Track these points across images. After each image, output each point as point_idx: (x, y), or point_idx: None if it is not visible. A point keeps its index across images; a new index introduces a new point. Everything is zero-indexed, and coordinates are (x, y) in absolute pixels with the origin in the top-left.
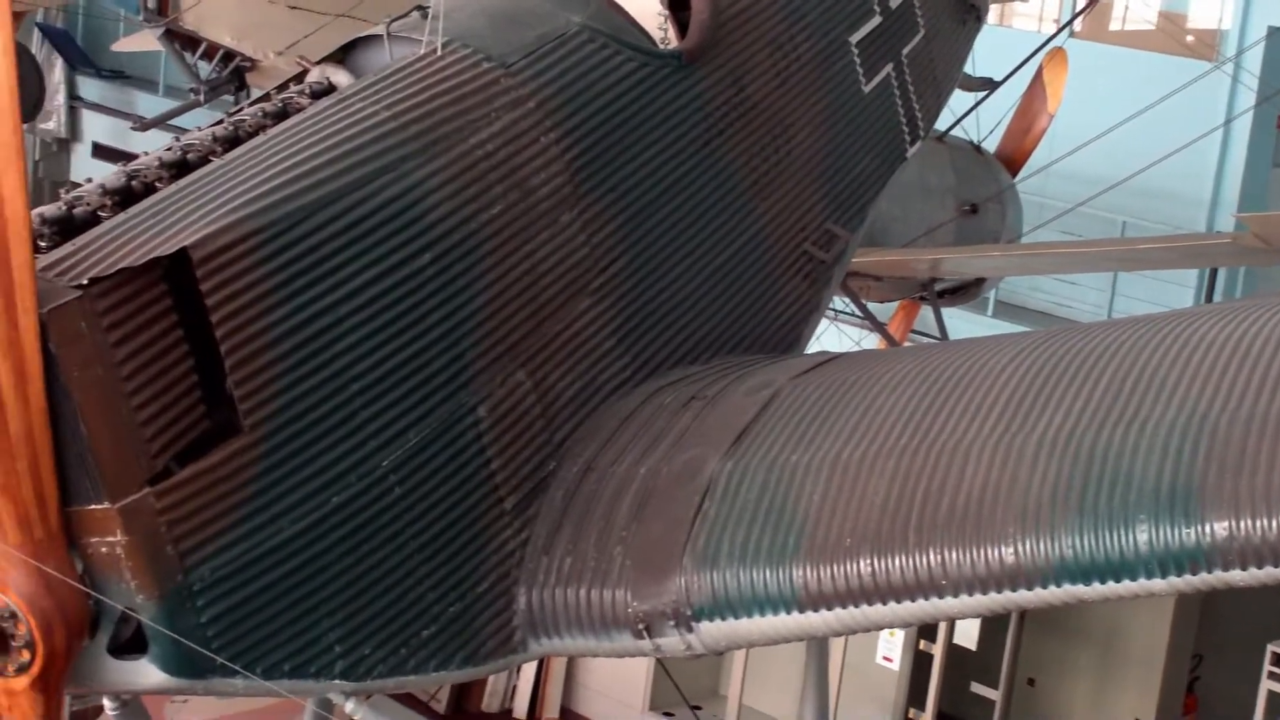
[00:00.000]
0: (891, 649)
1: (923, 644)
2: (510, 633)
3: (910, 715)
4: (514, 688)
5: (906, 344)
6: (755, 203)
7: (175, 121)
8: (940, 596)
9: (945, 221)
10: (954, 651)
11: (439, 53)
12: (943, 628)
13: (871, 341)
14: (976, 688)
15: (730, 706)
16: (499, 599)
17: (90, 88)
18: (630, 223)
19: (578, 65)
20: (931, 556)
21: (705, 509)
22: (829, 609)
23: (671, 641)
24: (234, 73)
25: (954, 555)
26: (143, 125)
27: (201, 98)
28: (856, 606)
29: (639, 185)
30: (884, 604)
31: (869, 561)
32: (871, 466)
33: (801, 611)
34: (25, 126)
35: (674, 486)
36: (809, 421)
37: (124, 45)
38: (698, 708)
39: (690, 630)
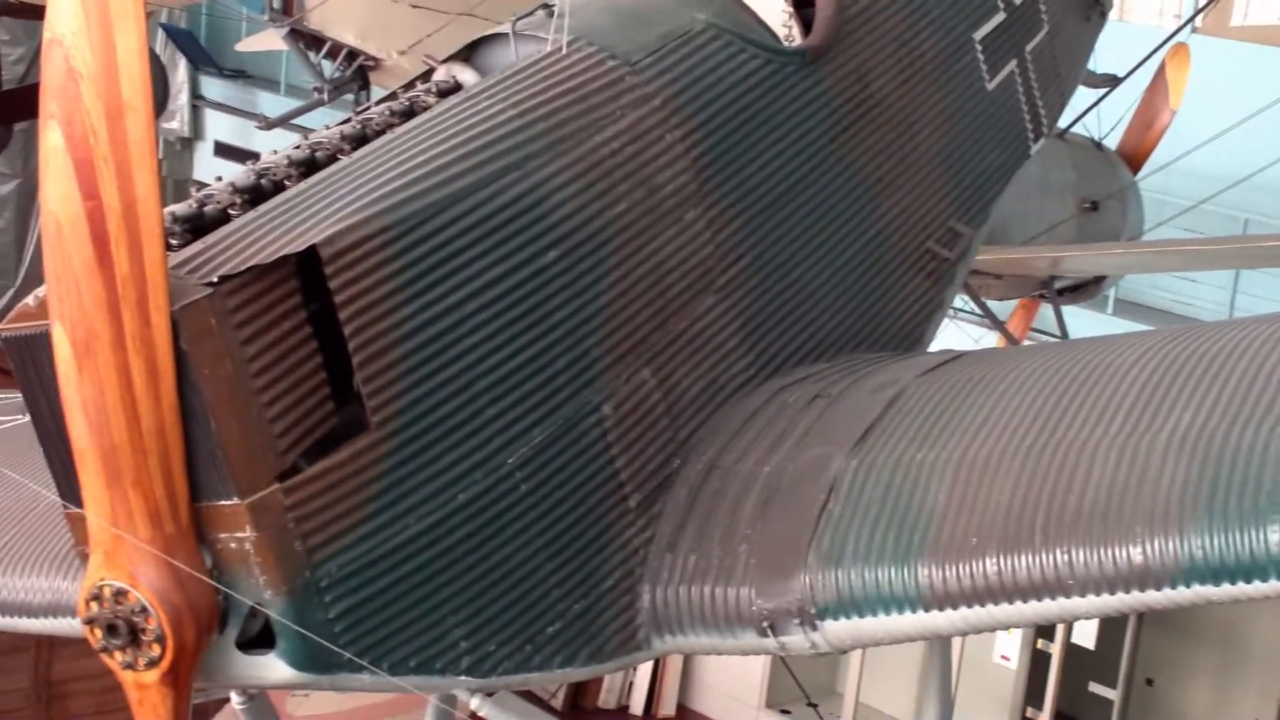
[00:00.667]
0: (1009, 647)
1: (1040, 643)
2: (634, 630)
3: (1028, 714)
4: (630, 684)
5: (1026, 342)
6: (879, 200)
7: (298, 120)
8: (1067, 596)
9: (1066, 219)
10: (1072, 651)
11: (564, 51)
12: (1061, 627)
13: (991, 340)
14: (1094, 687)
15: (847, 704)
16: (623, 596)
17: (213, 87)
18: (755, 220)
19: (703, 63)
20: (1059, 556)
21: (830, 507)
22: (954, 608)
23: (796, 640)
24: (357, 72)
25: (1081, 555)
26: (267, 124)
27: (325, 97)
28: (982, 606)
29: (763, 183)
30: (1010, 604)
31: (995, 561)
32: (998, 466)
33: (926, 610)
34: None
35: (799, 485)
36: (934, 420)
37: (247, 45)
38: (814, 705)
39: (815, 629)
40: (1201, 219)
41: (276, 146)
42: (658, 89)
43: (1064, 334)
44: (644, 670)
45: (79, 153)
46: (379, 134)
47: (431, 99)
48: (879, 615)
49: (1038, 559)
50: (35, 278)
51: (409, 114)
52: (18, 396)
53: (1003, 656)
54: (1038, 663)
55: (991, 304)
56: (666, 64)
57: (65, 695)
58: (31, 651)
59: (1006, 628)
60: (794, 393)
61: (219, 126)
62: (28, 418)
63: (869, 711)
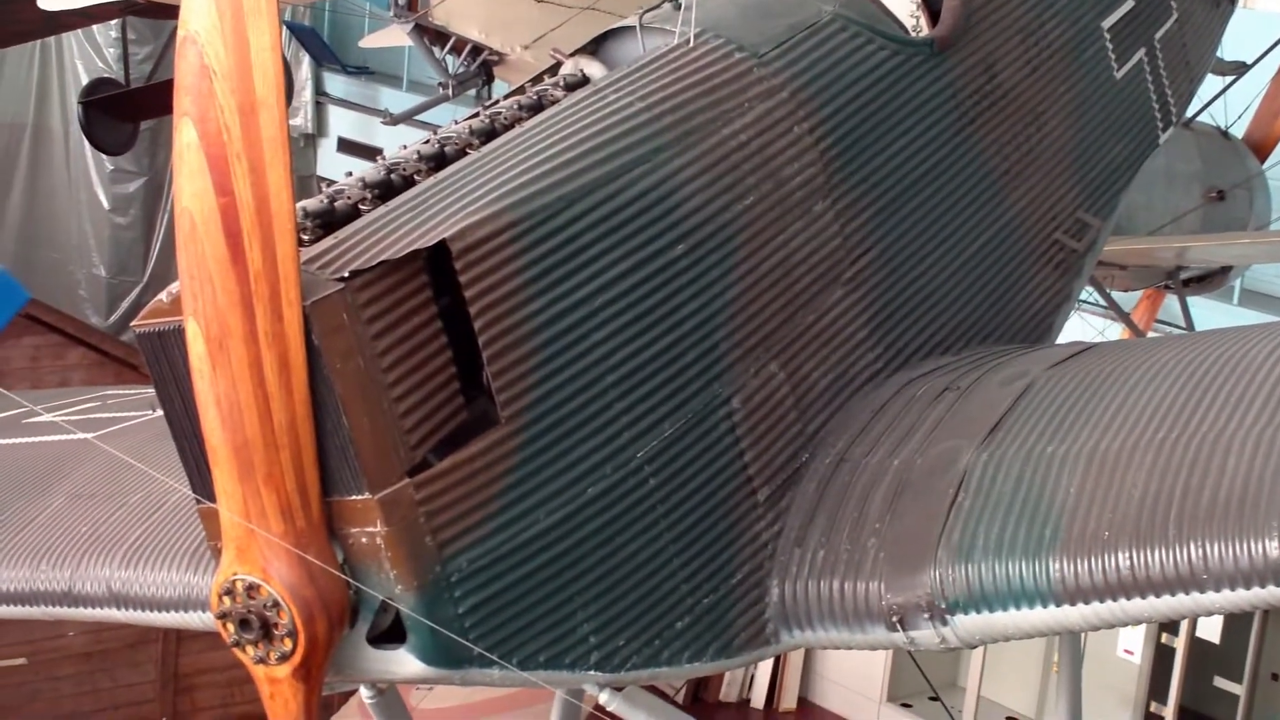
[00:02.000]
0: (1133, 642)
1: (1165, 637)
2: (763, 625)
3: (1152, 709)
4: (752, 678)
5: (1151, 334)
6: (1006, 191)
7: (422, 116)
8: (1201, 591)
9: (1192, 209)
10: (1196, 645)
11: (691, 44)
12: (1185, 621)
13: (1115, 332)
14: (1219, 682)
15: (969, 699)
16: (752, 591)
17: (335, 84)
18: (883, 212)
19: (830, 54)
20: (1192, 550)
21: (960, 501)
22: (1086, 603)
23: (925, 634)
24: (481, 67)
25: (1216, 549)
26: (392, 120)
27: (449, 92)
28: (1114, 601)
29: (891, 174)
30: (1143, 598)
31: (1128, 555)
32: (1130, 459)
33: (1058, 605)
34: None
35: (928, 478)
36: (1065, 412)
37: (371, 41)
38: (937, 698)
39: (944, 623)
40: None
41: (399, 142)
42: (785, 81)
43: (1190, 325)
44: (765, 664)
45: (212, 149)
46: (507, 128)
47: (559, 93)
48: (1009, 610)
49: (1171, 553)
50: (161, 274)
51: (537, 108)
52: (144, 392)
53: (1126, 651)
54: (1162, 657)
55: (1116, 295)
56: (794, 56)
57: (192, 688)
58: (159, 644)
59: (1139, 623)
60: (922, 386)
61: (342, 123)
62: (156, 413)
63: (990, 706)
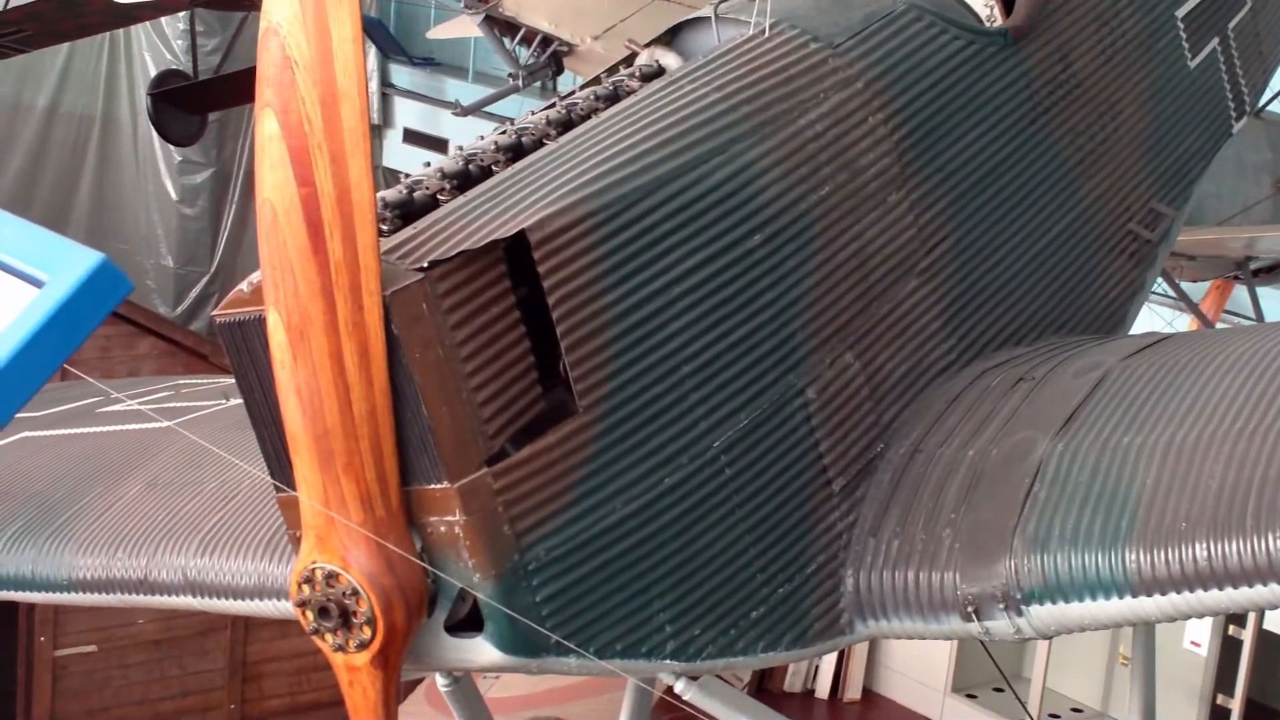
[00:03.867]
0: (1200, 634)
1: (1232, 629)
2: (837, 615)
3: (1219, 701)
4: (816, 668)
5: (1220, 325)
6: (1080, 181)
7: (491, 109)
8: None
9: (1262, 199)
10: (1264, 638)
11: (766, 34)
12: (1253, 613)
13: (1183, 322)
14: None
15: (1034, 689)
16: (826, 580)
17: (401, 75)
18: (957, 203)
19: (905, 45)
20: (1271, 542)
21: (1035, 491)
22: (1162, 594)
23: (1000, 625)
24: (551, 58)
25: None
26: (462, 110)
27: (519, 83)
28: (1191, 592)
29: (965, 165)
30: (1220, 590)
31: (1205, 546)
32: (1207, 450)
33: (1134, 596)
34: None
35: (1003, 469)
36: (1140, 403)
37: (440, 32)
38: (1001, 689)
39: (1020, 614)
40: None
41: (464, 133)
42: (860, 71)
43: (1259, 315)
44: (830, 655)
45: (294, 140)
46: (584, 119)
47: (635, 83)
48: (1085, 601)
49: (1249, 544)
50: (228, 264)
51: (614, 99)
52: (217, 382)
53: (1193, 643)
54: (1229, 649)
55: (1185, 285)
56: (869, 46)
57: (260, 676)
58: (228, 632)
59: (1215, 614)
60: (997, 376)
61: (407, 114)
62: (229, 402)
63: (1055, 697)
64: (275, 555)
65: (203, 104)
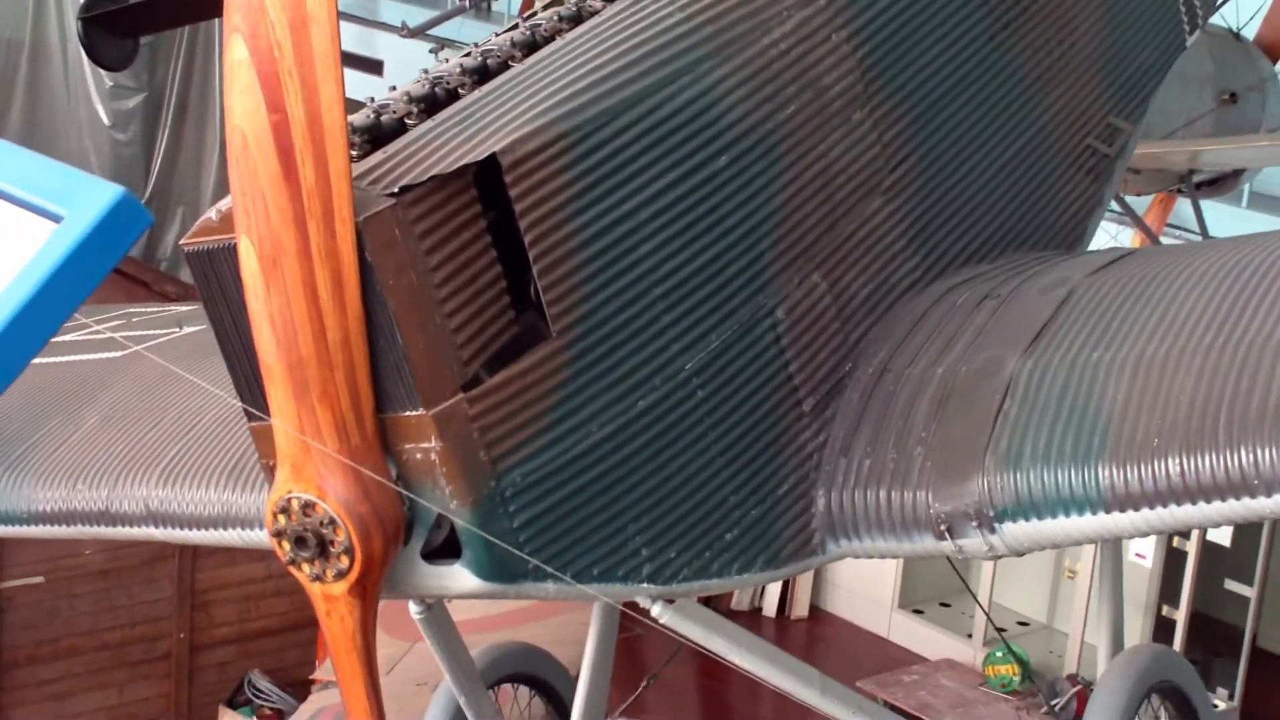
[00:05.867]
0: (1144, 546)
1: (1176, 541)
2: (809, 535)
3: (1164, 612)
4: (763, 587)
5: (1163, 239)
6: (1039, 97)
7: (436, 31)
8: (1253, 496)
9: (1205, 113)
10: (1208, 549)
11: None
12: None
13: (1127, 235)
14: (1230, 585)
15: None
16: (798, 501)
17: None
18: (920, 120)
19: None
20: (1244, 455)
21: (1006, 409)
22: (1135, 510)
23: (973, 543)
24: None
25: (1268, 454)
26: (409, 32)
27: (467, 3)
28: (1164, 507)
29: (927, 81)
30: (1193, 504)
31: (1177, 461)
32: (1177, 364)
33: (1107, 512)
34: None
35: (973, 386)
36: (1108, 319)
37: None
38: (947, 604)
39: (993, 531)
40: None
41: (401, 55)
42: None
43: (1203, 228)
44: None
45: (264, 66)
46: (549, 40)
47: (599, 3)
48: (1058, 518)
49: (1222, 459)
50: (163, 189)
51: (577, 19)
52: (168, 310)
53: (1138, 554)
54: (1173, 561)
55: (1129, 199)
56: None
57: (209, 604)
58: (175, 561)
59: (1189, 529)
60: (963, 294)
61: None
62: (183, 330)
63: (1002, 611)
64: (239, 484)
65: (135, 27)
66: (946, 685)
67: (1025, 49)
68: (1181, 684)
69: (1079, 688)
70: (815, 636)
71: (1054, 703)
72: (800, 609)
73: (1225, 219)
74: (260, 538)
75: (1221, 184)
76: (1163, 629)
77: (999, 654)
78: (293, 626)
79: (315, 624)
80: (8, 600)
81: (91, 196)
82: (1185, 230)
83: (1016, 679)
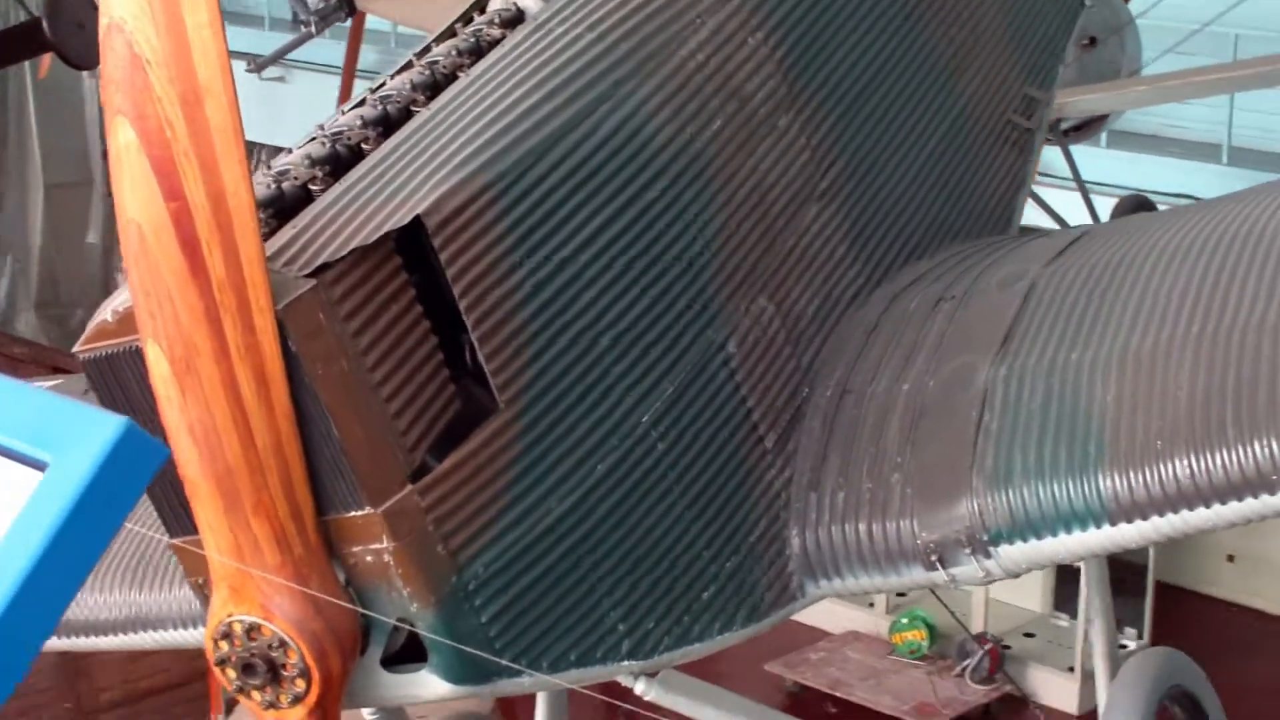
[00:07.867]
0: None
1: None
2: (787, 580)
3: None
4: None
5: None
6: (956, 78)
7: (292, 57)
8: (1271, 493)
9: (1068, 61)
10: None
11: None
12: None
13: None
14: None
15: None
16: (772, 545)
17: None
18: (845, 116)
19: None
20: (1258, 450)
21: (986, 422)
22: (1144, 519)
23: (968, 570)
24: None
25: None
26: (258, 65)
27: (314, 29)
28: (1175, 513)
29: (848, 75)
30: (1206, 507)
31: (1186, 463)
32: (1167, 358)
33: (1113, 524)
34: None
35: (945, 401)
36: (1080, 313)
37: None
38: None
39: (988, 556)
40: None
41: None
42: None
43: (1075, 173)
44: None
45: (155, 150)
46: (450, 78)
47: (497, 31)
48: (1059, 535)
49: (1234, 455)
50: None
51: (478, 52)
52: (57, 379)
53: None
54: None
55: None
56: None
57: (90, 670)
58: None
59: (1202, 532)
60: (913, 298)
61: None
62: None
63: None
64: (144, 582)
65: None
66: (855, 658)
67: (938, 28)
68: (1192, 688)
69: (990, 646)
70: None
71: (965, 664)
72: None
73: (1087, 160)
74: (178, 638)
75: (1088, 128)
76: (1067, 571)
77: (904, 620)
78: (179, 683)
79: (205, 677)
80: None
81: (82, 434)
82: (1054, 177)
83: (925, 644)
